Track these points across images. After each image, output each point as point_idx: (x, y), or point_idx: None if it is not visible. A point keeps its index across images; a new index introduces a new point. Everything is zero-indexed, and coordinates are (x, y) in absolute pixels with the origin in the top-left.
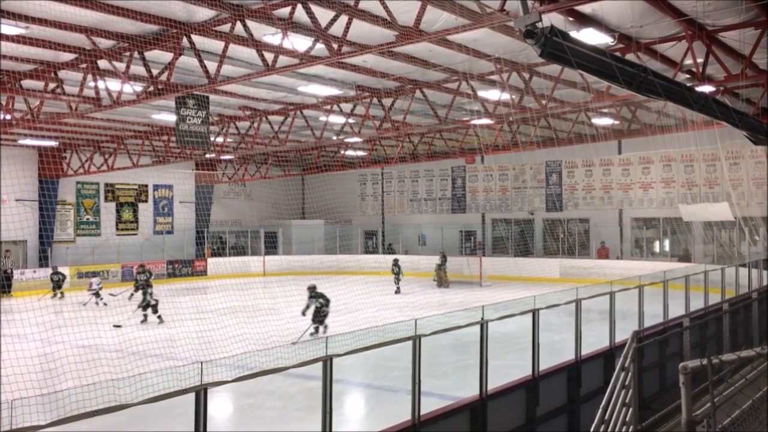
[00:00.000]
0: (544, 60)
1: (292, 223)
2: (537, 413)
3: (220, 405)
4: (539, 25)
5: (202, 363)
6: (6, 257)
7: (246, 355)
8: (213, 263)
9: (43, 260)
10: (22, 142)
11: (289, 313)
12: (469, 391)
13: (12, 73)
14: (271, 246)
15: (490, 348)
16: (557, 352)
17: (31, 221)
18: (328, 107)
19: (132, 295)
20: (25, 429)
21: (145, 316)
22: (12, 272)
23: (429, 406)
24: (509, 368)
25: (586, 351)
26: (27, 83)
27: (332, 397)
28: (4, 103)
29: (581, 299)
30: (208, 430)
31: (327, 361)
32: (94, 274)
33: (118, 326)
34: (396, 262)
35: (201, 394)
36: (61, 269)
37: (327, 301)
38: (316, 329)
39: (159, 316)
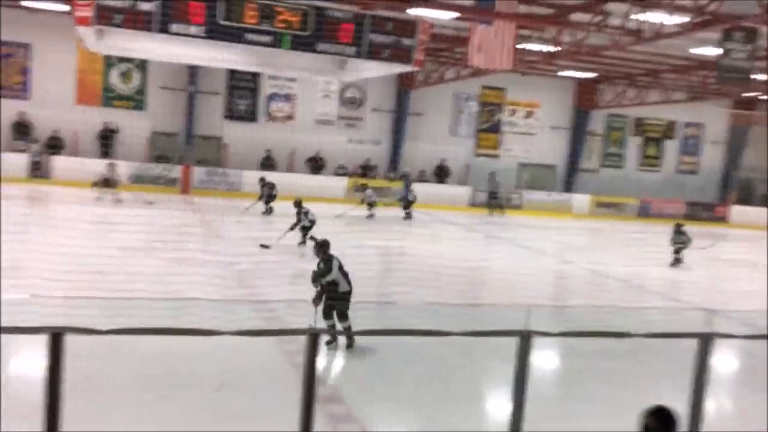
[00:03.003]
0: None
1: None
2: None
3: (724, 358)
4: None
5: (709, 311)
6: (489, 178)
7: (758, 313)
8: (737, 211)
9: (566, 186)
10: (562, 73)
11: None
12: None
13: (563, 6)
14: None
15: None
16: None
17: (563, 148)
18: None
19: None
20: (533, 332)
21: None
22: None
23: None
24: None
25: None
26: (575, 16)
27: None
28: (554, 36)
29: None
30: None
31: None
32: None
33: (266, 246)
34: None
35: (707, 340)
36: (579, 197)
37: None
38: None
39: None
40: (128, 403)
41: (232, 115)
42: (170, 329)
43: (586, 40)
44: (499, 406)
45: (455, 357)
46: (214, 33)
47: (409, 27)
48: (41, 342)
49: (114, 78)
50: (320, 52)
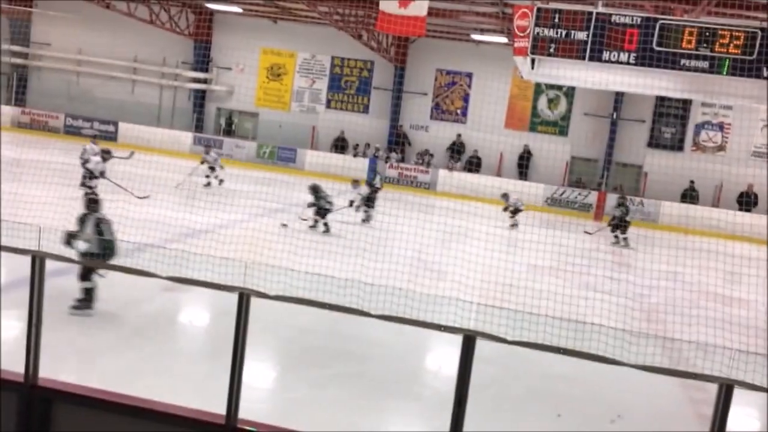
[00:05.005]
0: None
1: None
2: None
3: None
4: None
5: None
6: None
7: None
8: None
9: None
10: None
11: None
12: None
13: None
14: None
15: None
16: None
17: None
18: None
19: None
20: None
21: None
22: None
23: None
24: None
25: None
26: None
27: None
28: None
29: None
30: None
31: None
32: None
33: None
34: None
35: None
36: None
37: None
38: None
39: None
40: (524, 414)
41: (655, 143)
42: (572, 350)
43: None
44: None
45: None
46: (647, 59)
47: None
48: (455, 341)
49: (542, 104)
50: (766, 78)
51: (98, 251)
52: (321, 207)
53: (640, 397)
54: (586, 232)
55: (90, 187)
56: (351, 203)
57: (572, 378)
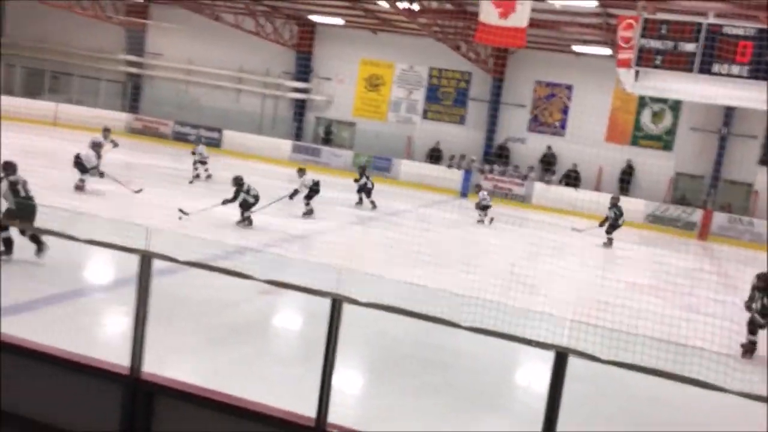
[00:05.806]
0: None
1: None
2: None
3: None
4: None
5: None
6: None
7: None
8: None
9: None
10: None
11: None
12: None
13: None
14: None
15: None
16: None
17: None
18: None
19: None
20: None
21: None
22: None
23: None
24: None
25: None
26: None
27: None
28: None
29: None
30: None
31: None
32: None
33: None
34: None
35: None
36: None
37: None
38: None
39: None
40: None
41: None
42: (670, 373)
43: None
44: None
45: None
46: (761, 72)
47: None
48: (546, 357)
49: (645, 118)
50: None
51: (14, 208)
52: (245, 201)
53: (742, 427)
54: (574, 230)
55: (82, 180)
56: (294, 192)
57: (668, 402)
